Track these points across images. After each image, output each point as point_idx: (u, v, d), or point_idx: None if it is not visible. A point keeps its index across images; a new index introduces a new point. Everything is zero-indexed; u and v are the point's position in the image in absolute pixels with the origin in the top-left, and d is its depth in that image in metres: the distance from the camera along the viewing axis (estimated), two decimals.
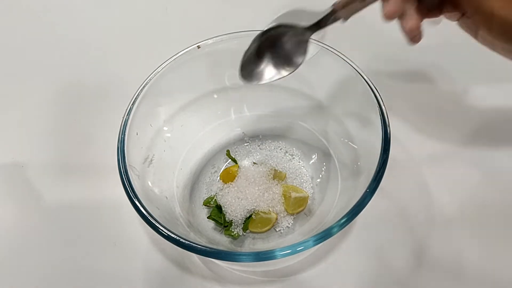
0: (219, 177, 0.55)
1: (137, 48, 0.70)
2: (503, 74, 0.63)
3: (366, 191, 0.41)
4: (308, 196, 0.53)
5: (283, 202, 0.52)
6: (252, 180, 0.53)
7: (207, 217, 0.51)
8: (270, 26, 0.43)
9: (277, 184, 0.53)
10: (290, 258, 0.48)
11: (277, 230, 0.51)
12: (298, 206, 0.52)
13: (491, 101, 0.61)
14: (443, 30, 0.46)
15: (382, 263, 0.49)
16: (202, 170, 0.56)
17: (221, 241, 0.50)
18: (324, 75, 0.52)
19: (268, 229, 0.51)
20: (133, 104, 0.48)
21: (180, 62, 0.50)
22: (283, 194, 0.52)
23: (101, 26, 0.73)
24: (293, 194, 0.52)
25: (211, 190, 0.54)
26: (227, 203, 0.51)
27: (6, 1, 0.78)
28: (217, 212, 0.51)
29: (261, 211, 0.51)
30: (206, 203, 0.52)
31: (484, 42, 0.42)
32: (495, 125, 0.59)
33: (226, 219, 0.51)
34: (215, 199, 0.52)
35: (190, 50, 0.51)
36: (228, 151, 0.57)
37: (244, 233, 0.51)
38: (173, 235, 0.40)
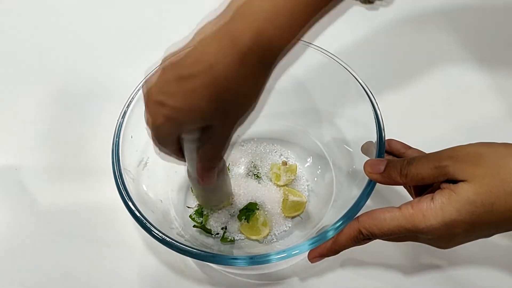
0: None
1: (132, 50, 0.70)
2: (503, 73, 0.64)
3: (361, 194, 0.41)
4: (306, 201, 0.52)
5: (281, 205, 0.52)
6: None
7: (193, 226, 0.51)
8: None
9: (278, 188, 0.53)
10: (285, 261, 0.48)
11: (273, 233, 0.51)
12: (295, 210, 0.51)
13: (487, 101, 0.61)
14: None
15: (378, 265, 0.49)
16: None
17: (216, 245, 0.50)
18: (319, 79, 0.53)
19: (261, 237, 0.50)
20: (127, 107, 0.48)
21: None
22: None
23: (96, 28, 0.72)
24: (291, 197, 0.52)
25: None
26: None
27: None
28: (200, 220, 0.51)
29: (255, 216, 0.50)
30: (192, 219, 0.51)
31: None
32: (493, 124, 0.59)
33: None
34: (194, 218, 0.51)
35: None
36: None
37: (238, 237, 0.50)
38: (167, 239, 0.40)
